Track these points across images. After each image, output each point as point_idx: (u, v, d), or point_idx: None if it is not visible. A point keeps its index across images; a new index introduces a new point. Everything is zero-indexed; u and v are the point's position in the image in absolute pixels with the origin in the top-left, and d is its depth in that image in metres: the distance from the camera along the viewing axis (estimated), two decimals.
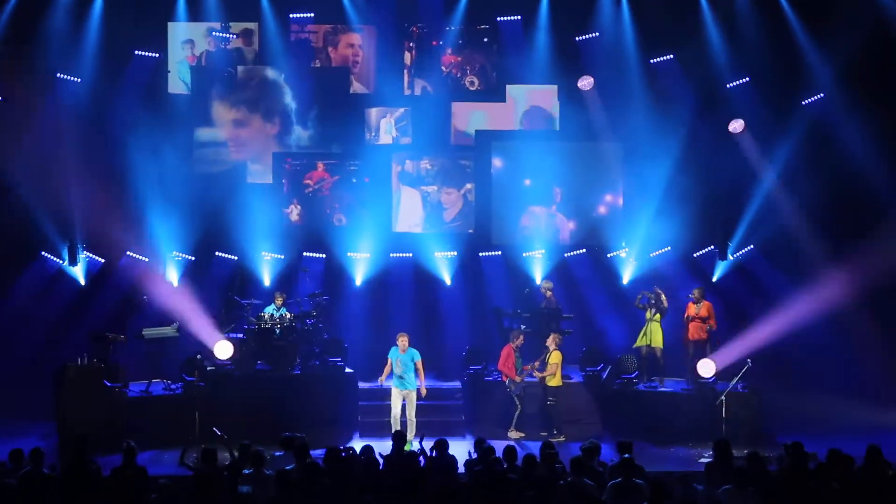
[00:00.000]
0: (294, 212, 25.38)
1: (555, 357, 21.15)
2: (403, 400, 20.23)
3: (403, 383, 20.20)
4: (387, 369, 20.36)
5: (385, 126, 25.44)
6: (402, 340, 20.33)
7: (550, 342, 21.35)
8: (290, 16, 25.03)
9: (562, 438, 20.57)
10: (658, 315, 22.40)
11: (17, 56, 23.32)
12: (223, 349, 21.67)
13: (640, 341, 22.54)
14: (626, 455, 13.98)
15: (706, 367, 21.41)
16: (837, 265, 23.70)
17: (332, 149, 25.42)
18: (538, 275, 24.81)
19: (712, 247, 24.91)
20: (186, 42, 24.98)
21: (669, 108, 24.65)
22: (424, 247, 25.16)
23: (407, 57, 25.42)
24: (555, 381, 21.15)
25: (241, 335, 22.27)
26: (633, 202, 25.15)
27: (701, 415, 20.67)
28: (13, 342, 23.24)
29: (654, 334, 22.41)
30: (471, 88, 25.57)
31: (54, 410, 20.61)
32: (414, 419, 20.16)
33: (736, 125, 24.56)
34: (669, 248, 24.87)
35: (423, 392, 20.40)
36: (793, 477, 13.53)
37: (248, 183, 25.03)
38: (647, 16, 24.75)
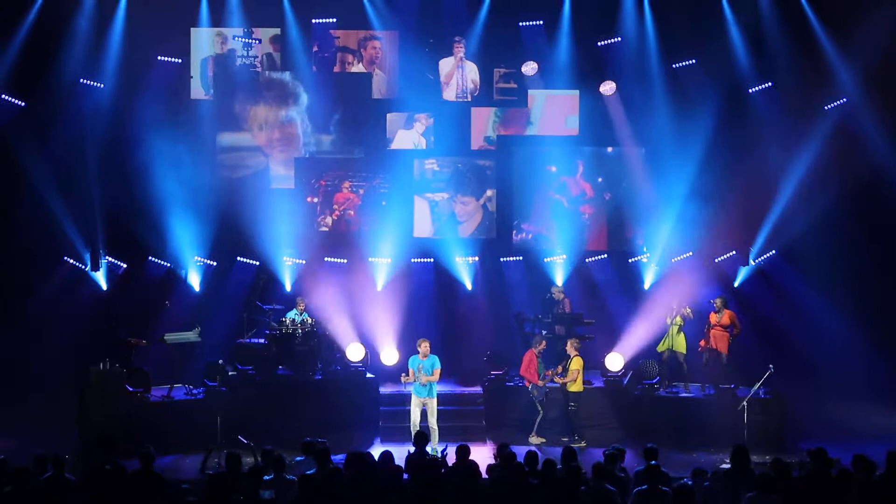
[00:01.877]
0: (324, 223, 25.38)
1: (576, 363, 21.11)
2: (423, 407, 20.23)
3: (425, 390, 20.17)
4: (410, 376, 20.32)
5: (411, 136, 25.41)
6: (424, 346, 20.33)
7: (570, 348, 21.32)
8: (313, 21, 25.03)
9: (583, 444, 20.57)
10: (679, 319, 22.36)
11: (41, 61, 23.39)
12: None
13: (663, 345, 22.52)
14: (653, 462, 13.95)
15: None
16: (859, 270, 23.70)
17: (354, 153, 25.39)
18: (560, 280, 24.76)
19: (734, 252, 24.84)
20: (216, 40, 24.99)
21: (692, 112, 24.56)
22: (445, 251, 25.13)
23: (430, 61, 25.38)
24: (576, 387, 21.12)
25: (262, 340, 22.31)
26: (656, 207, 25.05)
27: (723, 420, 20.55)
28: (36, 347, 23.27)
29: (675, 339, 22.38)
30: (496, 95, 25.54)
31: (76, 415, 20.71)
32: (436, 426, 20.15)
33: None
34: (691, 252, 24.78)
35: (423, 379, 20.31)
36: (815, 483, 13.48)
37: (270, 188, 25.04)
38: (670, 20, 24.70)
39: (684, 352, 22.44)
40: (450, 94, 25.38)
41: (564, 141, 25.43)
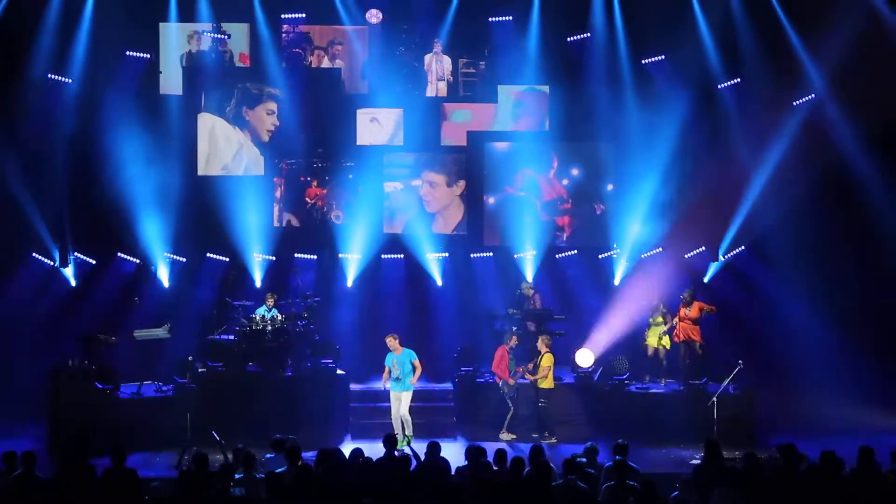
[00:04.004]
0: (292, 219, 25.35)
1: (547, 360, 21.12)
2: (400, 400, 20.31)
3: (400, 384, 20.26)
4: (385, 374, 20.40)
5: (375, 128, 25.40)
6: (392, 341, 20.38)
7: (541, 345, 21.33)
8: (282, 16, 25.02)
9: (553, 440, 20.61)
10: (660, 319, 22.49)
11: (8, 56, 23.24)
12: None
13: (649, 340, 22.66)
14: (619, 457, 14.02)
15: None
16: (830, 265, 23.81)
17: (324, 149, 25.33)
18: (530, 275, 24.76)
19: (703, 248, 24.92)
20: (189, 39, 24.89)
21: (661, 108, 24.61)
22: (416, 247, 25.10)
23: (397, 57, 25.36)
24: (546, 384, 21.12)
25: (232, 337, 22.25)
26: (625, 202, 25.10)
27: (693, 416, 20.66)
28: (4, 344, 23.18)
29: (659, 336, 22.52)
30: (462, 90, 25.57)
31: (46, 412, 20.60)
32: (409, 417, 20.26)
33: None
34: (661, 248, 24.85)
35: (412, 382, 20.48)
36: (784, 478, 13.53)
37: (239, 184, 24.91)
38: (639, 16, 24.72)
39: (667, 346, 22.56)
40: (431, 89, 25.40)
41: (534, 136, 25.41)
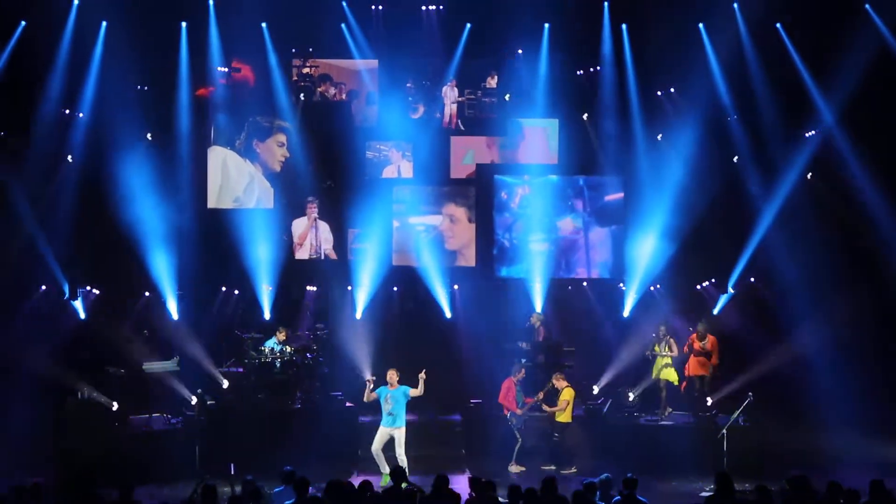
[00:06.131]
0: (303, 252, 25.48)
1: (567, 394, 21.11)
2: (391, 438, 19.98)
3: (393, 420, 19.88)
4: (367, 391, 20.12)
5: (384, 162, 25.50)
6: (392, 375, 20.12)
7: (558, 382, 21.25)
8: (293, 50, 25.15)
9: (573, 470, 20.56)
10: (667, 349, 22.39)
11: (20, 91, 23.32)
12: None
13: (655, 372, 22.56)
14: (627, 491, 14.00)
15: None
16: (839, 298, 23.73)
17: (333, 181, 25.41)
18: (539, 306, 24.72)
19: (713, 279, 24.88)
20: (198, 77, 24.97)
21: (671, 140, 24.63)
22: (425, 279, 25.09)
23: (409, 90, 25.46)
24: (564, 417, 21.12)
25: (241, 369, 22.26)
26: (634, 234, 25.10)
27: (703, 448, 20.58)
28: (14, 376, 23.15)
29: (664, 368, 22.41)
30: (469, 121, 25.67)
31: (54, 444, 20.60)
32: (404, 457, 19.84)
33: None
34: (669, 280, 24.84)
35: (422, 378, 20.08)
36: None
37: (249, 217, 24.98)
38: (649, 49, 24.77)
39: (669, 379, 22.45)
40: (446, 118, 25.51)
41: (544, 170, 25.46)
